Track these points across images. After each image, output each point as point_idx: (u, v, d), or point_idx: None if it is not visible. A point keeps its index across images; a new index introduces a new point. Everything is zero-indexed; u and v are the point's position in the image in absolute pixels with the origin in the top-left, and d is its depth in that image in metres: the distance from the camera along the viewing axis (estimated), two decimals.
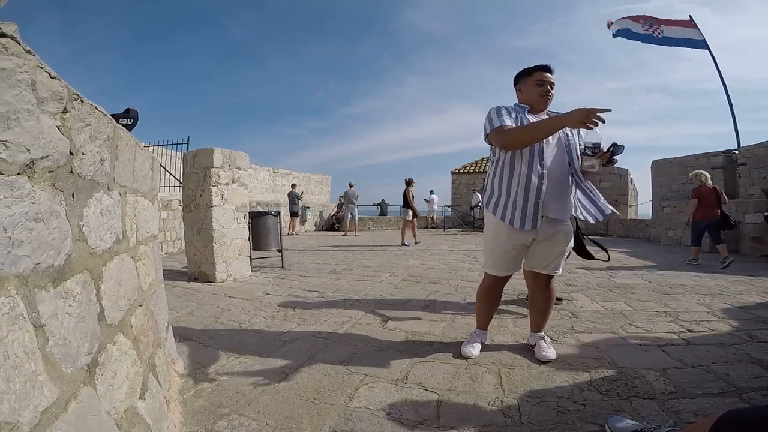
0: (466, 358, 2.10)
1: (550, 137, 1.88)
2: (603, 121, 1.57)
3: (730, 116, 9.69)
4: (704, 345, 2.25)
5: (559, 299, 2.91)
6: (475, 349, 2.14)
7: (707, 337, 2.38)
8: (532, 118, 1.95)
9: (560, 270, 2.09)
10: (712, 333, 2.46)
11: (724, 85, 9.80)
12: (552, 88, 1.96)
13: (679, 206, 8.86)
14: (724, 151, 9.10)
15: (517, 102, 2.08)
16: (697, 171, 5.86)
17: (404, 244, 8.37)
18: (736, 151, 8.77)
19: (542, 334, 2.17)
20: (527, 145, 1.86)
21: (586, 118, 1.55)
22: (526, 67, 2.03)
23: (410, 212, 8.67)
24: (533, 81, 1.97)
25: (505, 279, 2.17)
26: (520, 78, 2.05)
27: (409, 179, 8.89)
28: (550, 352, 2.07)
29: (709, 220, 5.43)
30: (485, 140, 2.00)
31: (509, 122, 1.86)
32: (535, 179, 1.87)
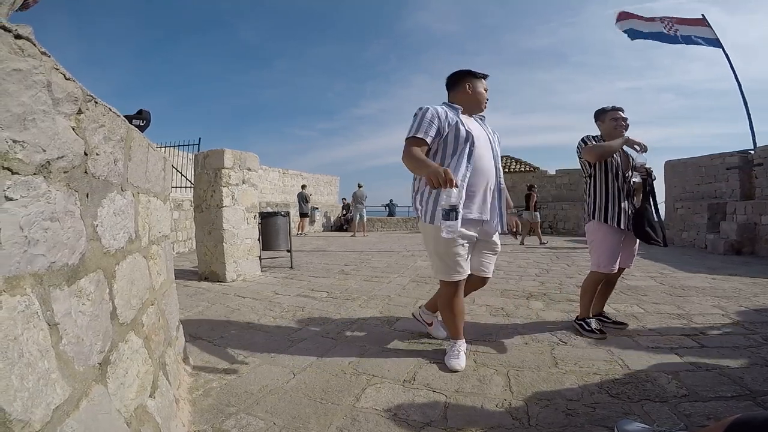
0: (454, 371, 1.95)
1: (479, 139, 1.99)
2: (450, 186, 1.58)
3: (746, 116, 9.47)
4: (718, 348, 2.21)
5: (623, 323, 2.62)
6: (462, 361, 2.00)
7: (721, 340, 2.34)
8: (470, 123, 2.04)
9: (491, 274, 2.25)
10: (726, 336, 2.41)
11: (739, 84, 9.58)
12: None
13: (693, 207, 8.70)
14: (739, 152, 8.89)
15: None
16: None
17: (542, 244, 8.83)
18: (752, 151, 8.57)
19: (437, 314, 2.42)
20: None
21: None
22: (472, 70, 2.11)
23: (537, 214, 9.48)
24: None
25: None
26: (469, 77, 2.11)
27: (531, 185, 9.83)
28: (440, 332, 2.42)
29: None
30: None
31: (425, 136, 1.90)
32: (459, 175, 1.92)
